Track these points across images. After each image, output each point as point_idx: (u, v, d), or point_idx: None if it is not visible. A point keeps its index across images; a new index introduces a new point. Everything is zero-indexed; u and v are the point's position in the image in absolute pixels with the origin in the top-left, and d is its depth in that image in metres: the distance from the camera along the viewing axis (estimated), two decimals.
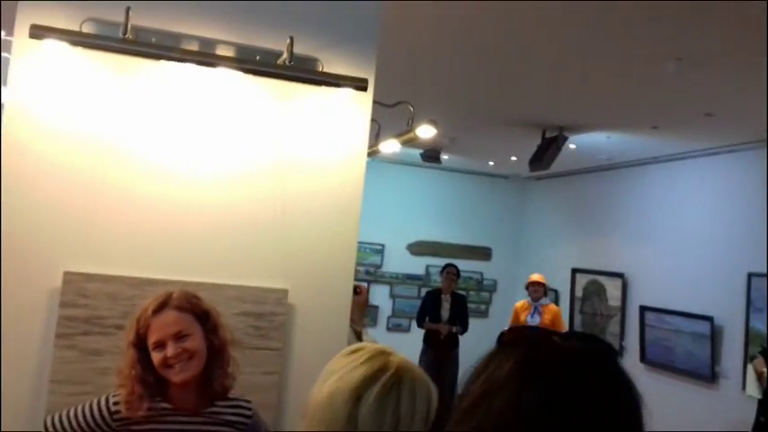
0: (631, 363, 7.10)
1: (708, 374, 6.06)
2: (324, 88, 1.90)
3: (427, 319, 7.40)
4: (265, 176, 1.93)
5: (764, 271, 5.57)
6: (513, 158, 7.79)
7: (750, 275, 5.69)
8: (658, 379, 6.74)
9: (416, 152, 7.71)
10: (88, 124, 1.90)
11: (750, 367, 5.08)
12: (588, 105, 5.21)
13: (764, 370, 4.85)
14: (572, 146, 6.40)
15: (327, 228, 1.96)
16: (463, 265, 8.65)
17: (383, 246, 9.16)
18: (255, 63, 1.77)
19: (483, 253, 9.61)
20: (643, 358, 6.90)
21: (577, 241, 8.34)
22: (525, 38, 3.77)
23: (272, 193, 1.92)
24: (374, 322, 9.04)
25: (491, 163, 8.61)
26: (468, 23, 3.57)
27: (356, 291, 3.19)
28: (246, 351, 1.86)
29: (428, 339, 7.34)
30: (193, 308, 1.77)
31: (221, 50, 1.93)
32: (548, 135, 6.02)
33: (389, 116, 2.84)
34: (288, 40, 1.78)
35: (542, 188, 9.34)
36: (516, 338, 0.95)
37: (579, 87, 4.71)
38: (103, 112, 1.92)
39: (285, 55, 1.78)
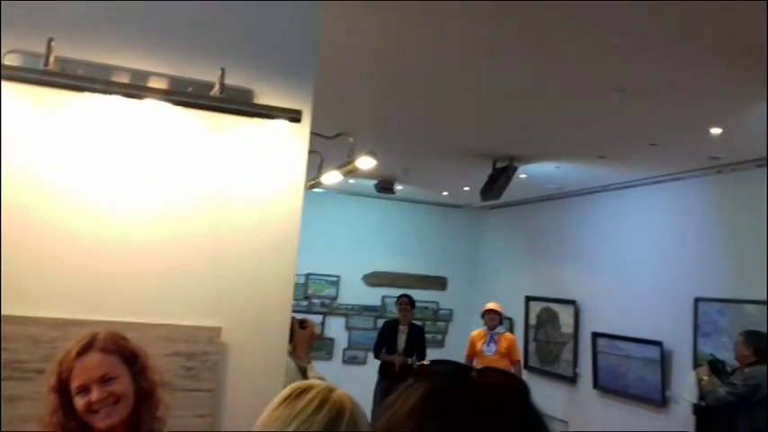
0: (585, 389, 7.15)
1: (659, 399, 6.13)
2: (258, 120, 1.86)
3: (384, 350, 7.31)
4: (197, 211, 1.87)
5: (710, 296, 5.69)
6: (466, 188, 7.85)
7: (696, 300, 5.81)
8: (611, 405, 6.79)
9: (371, 183, 7.71)
10: (9, 157, 1.81)
11: (693, 374, 5.15)
12: (537, 136, 5.29)
13: (705, 378, 4.92)
14: (522, 176, 6.48)
15: (263, 263, 1.90)
16: (419, 295, 8.63)
17: (338, 277, 9.08)
18: (184, 95, 1.72)
19: (438, 283, 9.61)
20: (596, 384, 6.94)
21: (531, 269, 8.40)
22: (473, 69, 3.81)
23: (204, 228, 1.86)
24: (329, 355, 8.92)
25: (445, 193, 8.66)
26: (417, 54, 3.59)
27: (302, 325, 3.13)
28: (177, 393, 1.77)
29: (383, 371, 7.24)
30: (120, 349, 1.69)
31: (154, 82, 1.88)
32: (498, 165, 6.08)
33: (333, 148, 2.81)
34: (219, 71, 1.74)
35: (495, 217, 9.43)
36: (427, 373, 0.94)
37: (527, 118, 4.78)
38: (27, 146, 1.84)
39: (217, 86, 1.74)
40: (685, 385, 5.28)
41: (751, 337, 4.78)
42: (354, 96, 4.54)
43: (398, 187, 7.89)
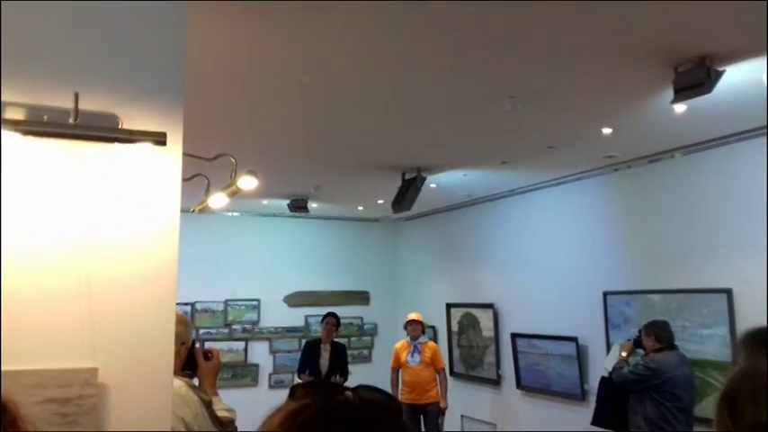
0: (509, 390, 7.27)
1: (578, 393, 6.30)
2: (125, 147, 1.78)
3: (307, 371, 7.21)
4: (63, 245, 1.76)
5: (618, 289, 5.91)
6: (380, 201, 7.87)
7: (605, 294, 6.02)
8: (535, 403, 6.93)
9: (284, 203, 7.62)
10: None
11: (617, 346, 5.30)
12: (441, 146, 5.36)
13: (624, 354, 5.07)
14: (433, 185, 6.56)
15: (139, 295, 1.81)
16: (343, 311, 8.58)
17: (259, 300, 8.91)
18: (33, 123, 1.62)
19: (361, 297, 9.58)
20: (519, 384, 7.07)
21: (449, 276, 8.51)
22: (372, 83, 3.82)
23: (71, 263, 1.75)
24: (255, 381, 8.72)
25: (360, 207, 8.67)
26: (316, 71, 3.57)
27: (207, 355, 3.01)
28: None
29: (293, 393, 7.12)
30: None
31: (10, 113, 1.76)
32: (407, 177, 6.13)
33: (223, 169, 2.74)
34: (73, 97, 1.65)
35: (412, 228, 9.51)
36: (301, 393, 0.97)
37: (429, 129, 4.84)
38: None
39: (72, 113, 1.65)
40: (607, 357, 5.44)
41: (650, 328, 5.00)
42: (254, 116, 4.47)
43: (313, 205, 7.82)
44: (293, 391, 1.03)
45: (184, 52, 1.92)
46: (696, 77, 3.28)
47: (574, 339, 6.32)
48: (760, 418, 0.81)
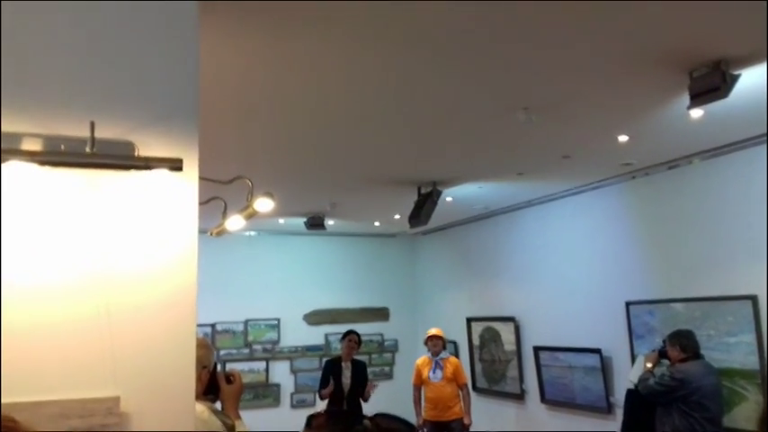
0: (533, 404, 7.18)
1: (604, 406, 6.20)
2: (141, 174, 1.78)
3: (330, 385, 7.15)
4: (83, 274, 1.76)
5: (640, 298, 5.83)
6: (397, 216, 7.86)
7: (628, 304, 5.93)
8: (560, 417, 6.83)
9: (301, 221, 7.63)
10: None
11: (641, 357, 5.22)
12: (456, 159, 5.35)
13: (649, 365, 4.99)
14: (449, 198, 6.54)
15: (159, 321, 1.81)
16: (363, 328, 8.54)
17: (278, 320, 8.91)
18: (50, 154, 1.63)
19: (381, 314, 9.55)
20: (543, 398, 6.98)
21: (468, 290, 8.45)
22: (384, 98, 3.83)
23: (91, 291, 1.75)
24: (277, 401, 8.70)
25: (376, 223, 8.66)
26: (329, 87, 3.58)
27: (229, 379, 3.00)
28: None
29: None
30: None
31: (27, 144, 1.78)
32: (423, 191, 6.12)
33: (239, 191, 2.75)
34: (89, 125, 1.66)
35: (430, 242, 9.48)
36: (318, 422, 0.96)
37: (444, 142, 4.84)
38: None
39: (88, 141, 1.66)
40: (633, 368, 5.35)
41: (675, 338, 4.92)
42: (268, 136, 4.49)
43: (329, 222, 7.83)
44: (309, 421, 1.02)
45: (198, 76, 1.93)
46: (712, 82, 3.25)
47: (597, 351, 6.23)
48: None
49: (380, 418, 0.91)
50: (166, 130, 1.86)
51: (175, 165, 1.70)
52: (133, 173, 1.81)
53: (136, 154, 1.81)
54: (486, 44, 3.07)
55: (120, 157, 1.72)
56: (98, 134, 1.75)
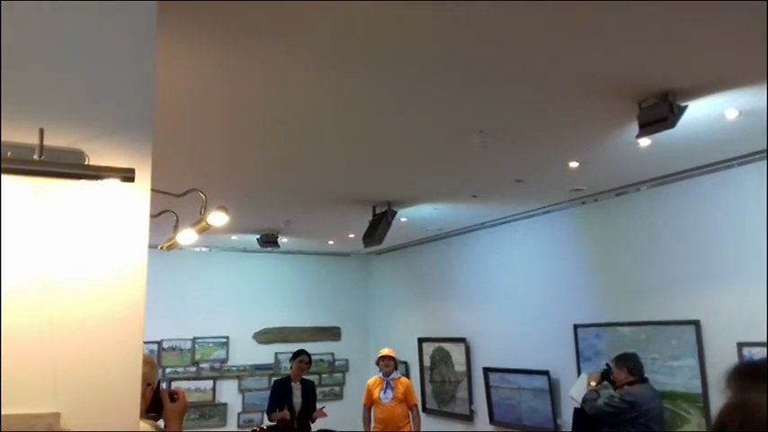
0: (482, 425, 7.21)
1: (551, 428, 6.26)
2: (92, 184, 1.73)
3: (277, 410, 7.04)
4: (27, 283, 1.69)
5: (588, 321, 5.94)
6: (351, 235, 7.85)
7: (576, 327, 6.04)
8: None
9: (254, 237, 7.55)
10: None
11: (585, 376, 5.30)
12: (411, 180, 5.38)
13: (593, 384, 5.07)
14: (403, 219, 6.57)
15: (104, 336, 1.75)
16: (313, 347, 8.47)
17: (227, 338, 8.75)
18: None
19: (332, 333, 9.48)
20: (492, 419, 7.01)
21: (420, 311, 8.48)
22: (341, 118, 3.83)
23: (34, 302, 1.69)
24: (223, 421, 8.51)
25: (330, 242, 8.63)
26: (287, 106, 3.57)
27: (173, 397, 2.92)
28: None
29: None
30: None
31: None
32: (378, 210, 6.13)
33: (191, 205, 2.70)
34: (38, 132, 1.61)
35: (383, 262, 9.48)
36: None
37: (400, 164, 4.86)
38: None
39: (36, 150, 1.61)
40: (575, 384, 5.42)
41: (622, 360, 5.00)
42: (223, 151, 4.44)
43: (283, 240, 7.76)
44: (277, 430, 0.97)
45: (154, 86, 1.90)
46: (660, 112, 3.36)
47: (546, 373, 6.31)
48: None
49: None
50: (119, 140, 1.82)
51: (127, 175, 1.66)
52: (83, 182, 1.75)
53: (87, 163, 1.76)
54: (444, 67, 3.11)
55: (70, 166, 1.67)
56: (48, 142, 1.69)
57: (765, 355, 4.35)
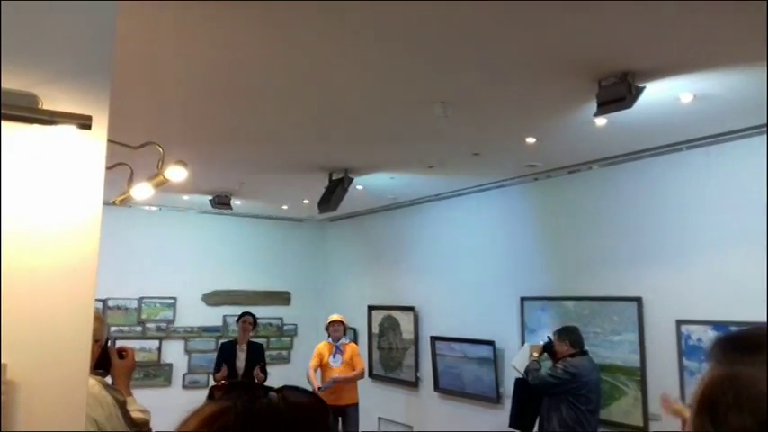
0: (426, 393, 7.36)
1: (494, 396, 6.44)
2: (45, 129, 1.67)
3: (223, 369, 7.04)
4: None
5: (535, 294, 6.09)
6: (306, 201, 7.80)
7: (522, 299, 6.19)
8: (451, 405, 7.04)
9: (207, 198, 7.42)
10: None
11: (527, 347, 5.48)
12: (369, 148, 5.36)
13: (535, 355, 5.25)
14: (359, 187, 6.55)
15: (55, 289, 1.70)
16: (263, 311, 8.45)
17: (175, 299, 8.64)
18: None
19: (282, 297, 9.46)
20: (437, 387, 7.16)
21: (372, 279, 8.53)
22: (301, 81, 3.76)
23: None
24: (168, 381, 8.45)
25: (285, 207, 8.56)
26: (245, 66, 3.48)
27: (121, 354, 2.89)
28: None
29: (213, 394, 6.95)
30: None
31: None
32: (334, 177, 6.10)
33: (145, 159, 2.63)
34: None
35: (337, 229, 9.48)
36: (221, 394, 0.92)
37: (358, 131, 4.83)
38: None
39: None
40: (517, 355, 5.59)
41: (564, 333, 5.18)
42: (179, 106, 4.32)
43: (236, 202, 7.66)
44: (212, 393, 0.98)
45: (113, 33, 1.83)
46: (618, 92, 3.42)
47: (491, 343, 6.46)
48: (745, 425, 0.83)
49: (288, 390, 0.89)
50: (76, 86, 1.75)
51: (84, 122, 1.60)
52: (36, 128, 1.69)
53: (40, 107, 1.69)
54: (404, 37, 3.08)
55: (22, 109, 1.60)
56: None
57: (706, 331, 4.55)
